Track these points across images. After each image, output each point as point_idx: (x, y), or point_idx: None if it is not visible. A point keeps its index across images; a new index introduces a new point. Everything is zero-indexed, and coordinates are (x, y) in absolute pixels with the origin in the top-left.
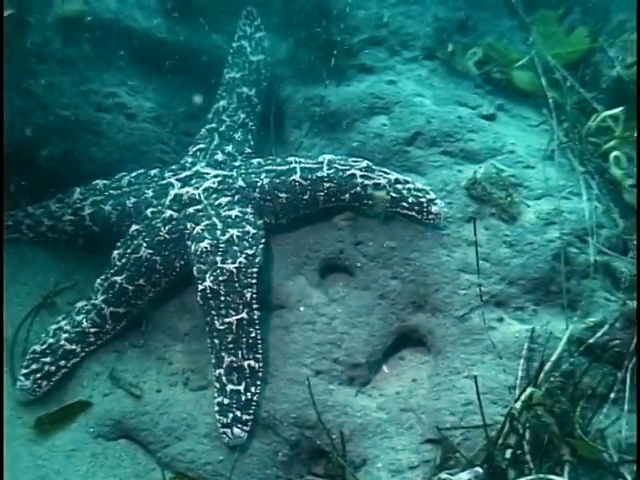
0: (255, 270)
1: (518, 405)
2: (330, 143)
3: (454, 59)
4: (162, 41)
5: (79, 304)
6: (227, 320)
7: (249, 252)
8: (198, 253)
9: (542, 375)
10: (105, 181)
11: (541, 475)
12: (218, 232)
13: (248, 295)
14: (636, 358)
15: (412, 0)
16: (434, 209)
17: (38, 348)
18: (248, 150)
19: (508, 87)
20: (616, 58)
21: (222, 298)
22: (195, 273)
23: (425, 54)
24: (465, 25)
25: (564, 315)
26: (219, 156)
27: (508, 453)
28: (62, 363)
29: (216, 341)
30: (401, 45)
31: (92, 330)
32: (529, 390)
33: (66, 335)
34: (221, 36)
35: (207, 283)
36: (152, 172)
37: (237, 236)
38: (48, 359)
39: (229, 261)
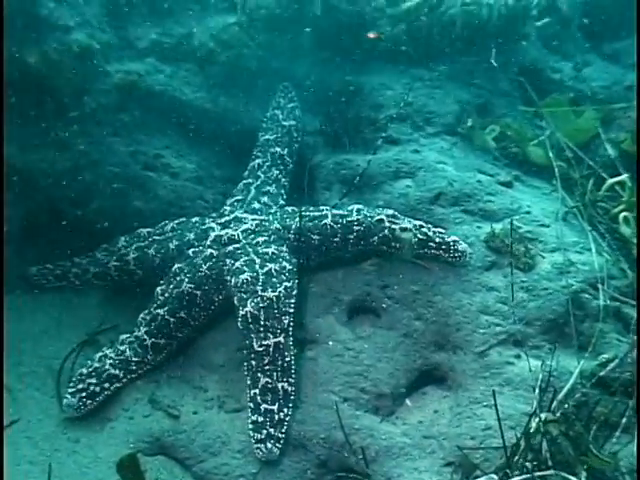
0: (292, 301)
1: (534, 424)
2: (358, 203)
3: (473, 134)
4: (205, 111)
5: (123, 336)
6: (265, 343)
7: (287, 284)
8: (239, 285)
9: (555, 403)
10: (149, 229)
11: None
12: (257, 266)
13: (285, 321)
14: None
15: (435, 84)
16: (460, 247)
17: (85, 371)
18: (282, 202)
19: (523, 162)
20: (612, 139)
21: (262, 322)
22: (236, 302)
23: (446, 130)
24: (484, 108)
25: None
26: (255, 205)
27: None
28: (106, 385)
29: (253, 362)
30: (424, 121)
31: (134, 359)
32: (544, 414)
33: (110, 361)
34: (258, 108)
35: (248, 308)
36: (193, 219)
37: (275, 270)
38: (93, 380)
39: (269, 290)
